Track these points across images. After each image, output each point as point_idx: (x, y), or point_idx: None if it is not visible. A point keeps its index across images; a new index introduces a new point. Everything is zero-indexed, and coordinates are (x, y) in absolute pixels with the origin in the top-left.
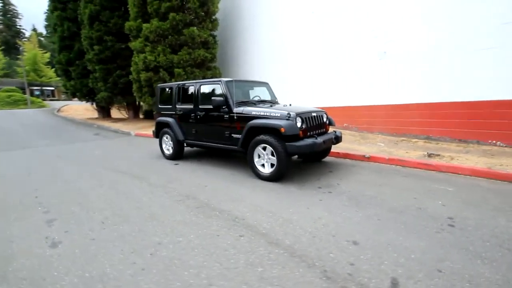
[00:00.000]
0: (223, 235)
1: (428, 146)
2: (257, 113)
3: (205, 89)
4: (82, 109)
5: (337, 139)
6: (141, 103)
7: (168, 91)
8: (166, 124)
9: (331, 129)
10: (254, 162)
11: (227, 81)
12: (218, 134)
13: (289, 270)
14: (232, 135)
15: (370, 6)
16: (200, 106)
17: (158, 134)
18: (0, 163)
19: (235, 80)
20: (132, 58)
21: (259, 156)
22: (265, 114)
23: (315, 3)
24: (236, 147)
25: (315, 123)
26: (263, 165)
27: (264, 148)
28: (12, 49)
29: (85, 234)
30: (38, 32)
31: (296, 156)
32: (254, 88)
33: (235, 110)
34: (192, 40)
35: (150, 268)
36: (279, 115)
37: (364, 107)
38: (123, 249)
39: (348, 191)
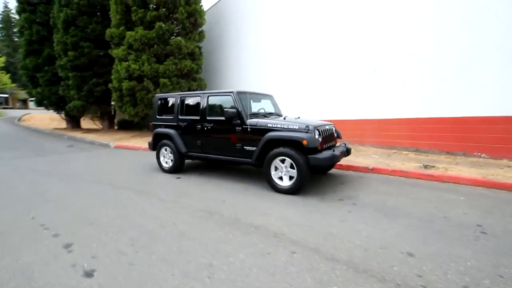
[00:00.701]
0: (273, 252)
1: (419, 158)
2: (273, 126)
3: (214, 100)
4: (47, 118)
5: (348, 152)
6: (117, 113)
7: (168, 101)
8: (166, 136)
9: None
10: (271, 175)
11: (239, 93)
12: (228, 147)
13: (364, 287)
14: (245, 147)
15: (362, 24)
16: (207, 118)
17: (155, 146)
18: None
19: (245, 92)
20: (114, 66)
21: (275, 169)
22: (282, 126)
23: (305, 19)
24: (249, 159)
25: (328, 136)
26: (280, 178)
27: (283, 161)
28: None
29: (117, 259)
30: None
31: None
32: (262, 100)
33: (249, 122)
34: (179, 50)
35: None
36: (297, 127)
37: (355, 121)
38: (173, 273)
39: (370, 203)
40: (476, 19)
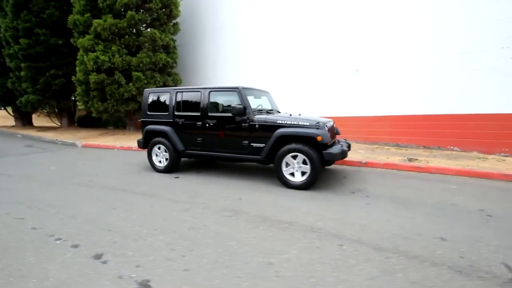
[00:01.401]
0: (322, 246)
1: (401, 152)
2: (283, 122)
3: (216, 95)
4: None
5: (349, 147)
6: (78, 109)
7: (161, 97)
8: (160, 133)
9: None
10: (282, 171)
11: (244, 88)
12: (233, 144)
13: (424, 271)
14: (252, 144)
15: (343, 26)
16: (209, 114)
17: (146, 144)
18: None
19: (249, 88)
20: (78, 57)
21: (286, 165)
22: (292, 123)
23: (286, 19)
24: (257, 156)
25: (332, 132)
26: (291, 174)
27: (294, 157)
28: None
29: (168, 266)
30: None
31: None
32: (261, 97)
33: (257, 118)
34: (153, 42)
35: None
36: (308, 124)
37: (339, 118)
38: (238, 275)
39: (381, 195)
40: (445, 29)
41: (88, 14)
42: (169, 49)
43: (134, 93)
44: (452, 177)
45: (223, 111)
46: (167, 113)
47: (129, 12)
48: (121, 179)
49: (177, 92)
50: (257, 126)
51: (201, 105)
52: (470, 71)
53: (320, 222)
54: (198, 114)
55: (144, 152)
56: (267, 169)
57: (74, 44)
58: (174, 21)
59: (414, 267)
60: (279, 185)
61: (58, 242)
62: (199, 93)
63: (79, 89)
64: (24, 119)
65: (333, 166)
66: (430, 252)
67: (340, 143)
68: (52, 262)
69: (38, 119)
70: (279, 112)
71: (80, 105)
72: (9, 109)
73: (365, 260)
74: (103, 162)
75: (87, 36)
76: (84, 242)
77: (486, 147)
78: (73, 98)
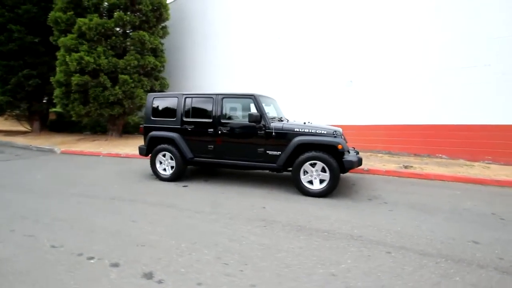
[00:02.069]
0: (373, 255)
1: (394, 159)
2: (300, 130)
3: (230, 102)
4: None
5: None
6: (49, 112)
7: (168, 102)
8: (167, 140)
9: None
10: (301, 179)
11: (260, 96)
12: (248, 151)
13: (476, 274)
14: (268, 152)
15: (337, 37)
16: (222, 121)
17: (149, 151)
18: None
19: (262, 96)
20: (59, 57)
21: (304, 173)
22: (310, 131)
23: (280, 28)
24: (273, 164)
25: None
26: (309, 182)
27: (313, 165)
28: None
29: (230, 282)
30: None
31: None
32: (270, 104)
33: (273, 126)
34: (142, 45)
35: None
36: (325, 132)
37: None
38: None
39: (398, 201)
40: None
41: (71, 12)
42: (157, 52)
43: (120, 96)
44: (450, 183)
45: (238, 118)
46: (174, 119)
47: (117, 13)
48: (124, 189)
49: (186, 98)
50: (273, 133)
51: (214, 112)
52: (459, 84)
53: (356, 230)
54: (210, 120)
55: (136, 160)
56: (276, 176)
57: (54, 43)
58: (163, 24)
59: (465, 271)
60: (294, 192)
61: (92, 261)
62: (211, 99)
63: (58, 91)
64: None
65: None
66: (470, 255)
67: (354, 150)
68: (98, 284)
69: (4, 123)
70: (288, 120)
71: (54, 108)
72: None
73: (419, 266)
74: (94, 170)
75: (70, 35)
76: (122, 260)
77: (471, 155)
78: (45, 101)
